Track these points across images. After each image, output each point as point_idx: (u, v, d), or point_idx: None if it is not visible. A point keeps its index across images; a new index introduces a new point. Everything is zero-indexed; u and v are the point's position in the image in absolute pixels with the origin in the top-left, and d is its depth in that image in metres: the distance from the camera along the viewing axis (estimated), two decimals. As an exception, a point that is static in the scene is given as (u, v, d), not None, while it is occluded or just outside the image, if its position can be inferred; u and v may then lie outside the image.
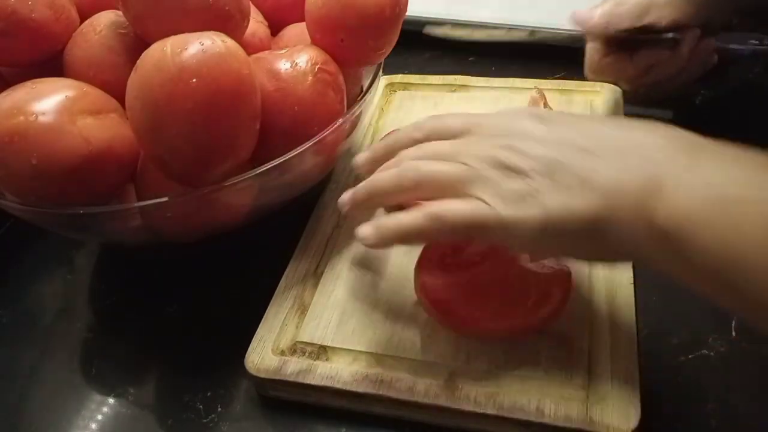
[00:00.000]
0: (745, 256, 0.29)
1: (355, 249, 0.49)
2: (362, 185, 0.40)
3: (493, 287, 0.40)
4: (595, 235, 0.33)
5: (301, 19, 0.49)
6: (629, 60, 0.57)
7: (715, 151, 0.32)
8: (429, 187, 0.37)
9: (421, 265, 0.41)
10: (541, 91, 0.55)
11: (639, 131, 0.35)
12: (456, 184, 0.36)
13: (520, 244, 0.36)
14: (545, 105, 0.55)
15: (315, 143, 0.43)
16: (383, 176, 0.39)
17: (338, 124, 0.45)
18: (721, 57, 0.58)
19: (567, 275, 0.41)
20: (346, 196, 0.41)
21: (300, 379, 0.40)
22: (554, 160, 0.34)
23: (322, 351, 0.42)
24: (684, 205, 0.30)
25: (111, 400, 0.43)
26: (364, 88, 0.51)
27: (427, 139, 0.40)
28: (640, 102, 0.60)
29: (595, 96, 0.60)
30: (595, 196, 0.33)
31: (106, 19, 0.45)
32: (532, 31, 0.69)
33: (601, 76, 0.59)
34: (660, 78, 0.57)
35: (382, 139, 0.45)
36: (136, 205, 0.42)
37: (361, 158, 0.43)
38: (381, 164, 0.41)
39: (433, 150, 0.39)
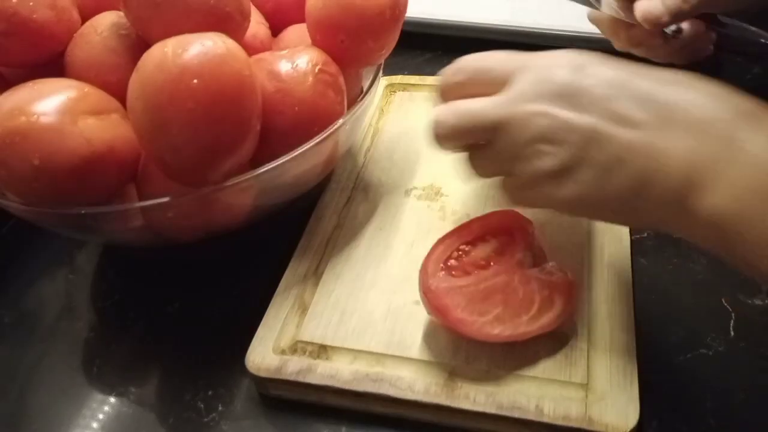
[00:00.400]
0: None
1: (356, 249, 0.49)
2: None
3: (497, 294, 0.40)
4: (631, 211, 0.33)
5: (302, 21, 0.49)
6: (625, 28, 0.55)
7: None
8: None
9: (426, 268, 0.41)
10: None
11: (691, 92, 0.32)
12: (499, 158, 0.37)
13: (556, 211, 0.37)
14: None
15: (315, 144, 0.43)
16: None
17: (338, 124, 0.45)
18: (722, 47, 0.58)
19: (570, 284, 0.41)
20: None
21: (300, 379, 0.40)
22: (593, 132, 0.33)
23: (322, 350, 0.42)
24: (731, 195, 0.29)
25: (112, 399, 0.43)
26: (364, 89, 0.51)
27: (469, 81, 0.39)
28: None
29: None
30: (630, 177, 0.32)
31: (107, 20, 0.45)
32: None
33: (595, 24, 0.59)
34: (647, 57, 0.56)
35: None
36: (138, 205, 0.42)
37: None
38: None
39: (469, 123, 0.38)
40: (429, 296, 0.40)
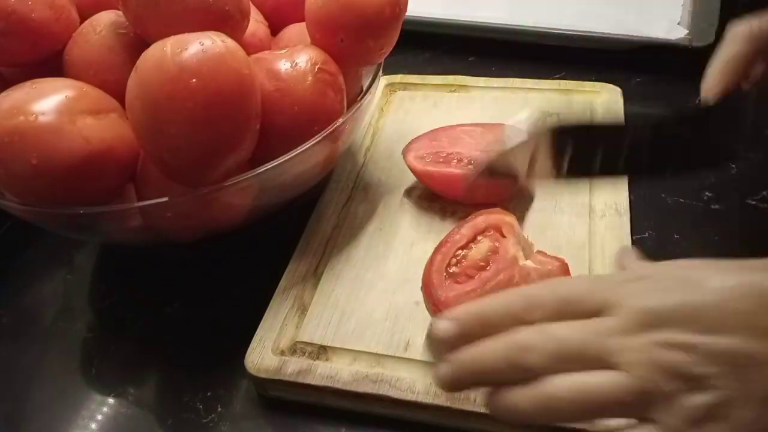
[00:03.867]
0: None
1: (355, 249, 0.49)
2: (461, 363, 0.30)
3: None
4: None
5: (301, 19, 0.49)
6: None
7: None
8: (582, 406, 0.27)
9: (431, 280, 0.41)
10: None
11: None
12: (625, 402, 0.27)
13: None
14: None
15: (315, 143, 0.43)
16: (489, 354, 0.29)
17: (338, 124, 0.45)
18: None
19: (565, 267, 0.41)
20: (442, 372, 0.30)
21: (300, 379, 0.40)
22: (741, 354, 0.26)
23: (322, 351, 0.42)
24: None
25: (111, 400, 0.43)
26: (364, 88, 0.51)
27: (544, 319, 0.29)
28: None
29: (594, 96, 0.60)
30: None
31: (106, 19, 0.45)
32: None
33: None
34: None
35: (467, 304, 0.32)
36: (136, 205, 0.42)
37: (442, 329, 0.30)
38: (471, 341, 0.30)
39: (560, 341, 0.28)
40: (442, 308, 0.39)
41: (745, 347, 0.26)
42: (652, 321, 0.27)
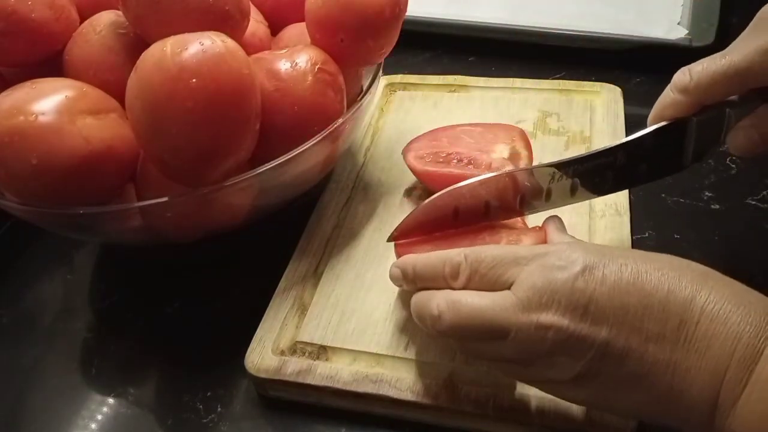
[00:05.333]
0: None
1: (355, 249, 0.49)
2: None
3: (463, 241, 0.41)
4: (650, 417, 0.32)
5: (301, 19, 0.49)
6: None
7: None
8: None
9: (399, 247, 0.42)
10: (523, 132, 0.54)
11: (704, 293, 0.30)
12: (510, 360, 0.34)
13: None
14: (529, 151, 0.52)
15: (315, 143, 0.43)
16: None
17: (338, 124, 0.45)
18: None
19: (542, 231, 0.41)
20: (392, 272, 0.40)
21: (300, 379, 0.40)
22: (609, 347, 0.30)
23: (322, 351, 0.42)
24: (751, 423, 0.28)
25: (111, 400, 0.43)
26: (364, 88, 0.51)
27: (466, 277, 0.35)
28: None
29: (594, 96, 0.60)
30: (651, 393, 0.30)
31: (106, 19, 0.45)
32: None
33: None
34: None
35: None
36: (136, 205, 0.42)
37: (393, 274, 0.40)
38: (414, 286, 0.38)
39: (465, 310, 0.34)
40: (398, 249, 0.43)
41: (613, 340, 0.30)
42: (540, 299, 0.32)
